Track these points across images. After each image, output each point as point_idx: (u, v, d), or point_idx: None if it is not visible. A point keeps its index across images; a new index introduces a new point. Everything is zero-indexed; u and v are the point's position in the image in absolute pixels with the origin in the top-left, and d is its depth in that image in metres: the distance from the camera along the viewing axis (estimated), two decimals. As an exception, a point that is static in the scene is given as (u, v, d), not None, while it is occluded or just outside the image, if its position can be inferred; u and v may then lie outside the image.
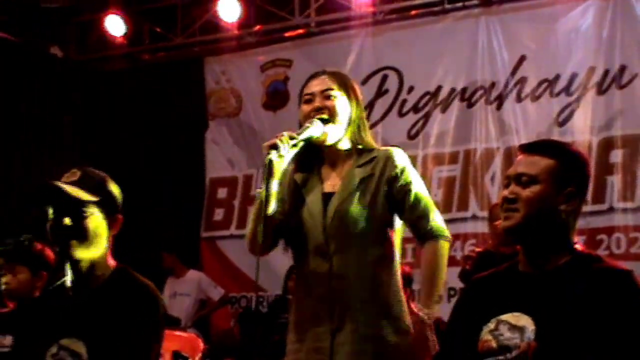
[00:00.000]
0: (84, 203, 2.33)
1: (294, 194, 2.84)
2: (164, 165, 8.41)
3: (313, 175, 2.85)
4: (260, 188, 2.67)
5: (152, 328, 2.33)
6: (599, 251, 6.28)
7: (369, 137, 2.85)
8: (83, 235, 2.33)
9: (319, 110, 2.75)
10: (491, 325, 2.10)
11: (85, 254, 2.35)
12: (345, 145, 2.82)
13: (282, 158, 2.64)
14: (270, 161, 2.61)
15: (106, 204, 2.39)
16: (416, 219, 2.75)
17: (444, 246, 2.74)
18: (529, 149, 2.21)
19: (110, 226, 2.40)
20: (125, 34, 8.38)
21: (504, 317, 2.08)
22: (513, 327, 2.05)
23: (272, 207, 2.68)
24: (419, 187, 2.78)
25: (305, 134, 2.71)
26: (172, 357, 3.09)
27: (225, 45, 8.33)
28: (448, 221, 7.24)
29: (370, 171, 2.76)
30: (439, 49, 7.25)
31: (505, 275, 2.23)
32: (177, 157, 8.43)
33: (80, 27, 8.77)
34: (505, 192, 2.17)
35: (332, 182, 2.82)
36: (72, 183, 2.36)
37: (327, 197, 2.78)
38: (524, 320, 2.04)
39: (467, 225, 6.84)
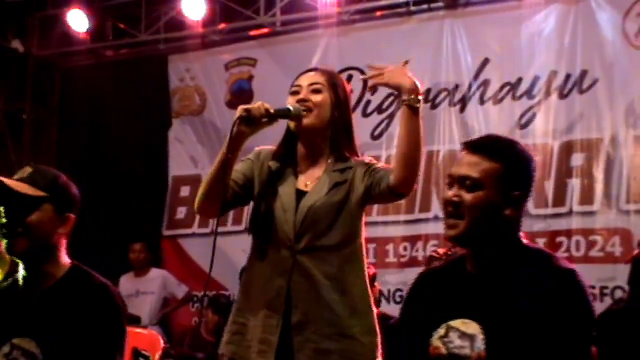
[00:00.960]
0: (30, 199, 2.28)
1: (267, 180, 2.84)
2: (126, 163, 8.34)
3: (289, 168, 2.84)
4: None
5: (113, 333, 2.29)
6: (558, 253, 6.37)
7: (351, 143, 2.84)
8: (28, 232, 2.29)
9: (303, 101, 2.78)
10: (441, 331, 2.06)
11: (31, 251, 2.31)
12: (324, 144, 2.82)
13: (252, 126, 2.67)
14: (240, 122, 2.64)
15: (56, 201, 2.34)
16: (377, 179, 2.72)
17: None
18: (474, 148, 2.13)
19: (60, 224, 2.36)
20: (89, 29, 8.31)
21: (453, 323, 2.05)
22: (463, 335, 2.02)
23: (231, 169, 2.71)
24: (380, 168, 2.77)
25: (280, 111, 2.74)
26: (132, 355, 3.07)
27: (189, 43, 8.29)
28: (410, 222, 7.34)
29: (345, 177, 2.76)
30: (403, 50, 7.24)
31: (453, 273, 2.19)
32: (139, 155, 8.36)
33: (43, 21, 8.67)
34: (450, 194, 2.11)
35: (306, 180, 2.81)
36: (21, 179, 2.32)
37: (300, 194, 2.78)
38: (473, 328, 2.01)
39: (428, 226, 6.88)
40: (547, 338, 1.91)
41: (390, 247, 7.02)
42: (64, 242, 2.39)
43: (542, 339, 1.91)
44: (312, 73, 2.87)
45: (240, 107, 2.68)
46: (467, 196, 2.07)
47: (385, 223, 6.94)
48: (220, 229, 7.74)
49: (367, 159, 2.85)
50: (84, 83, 8.68)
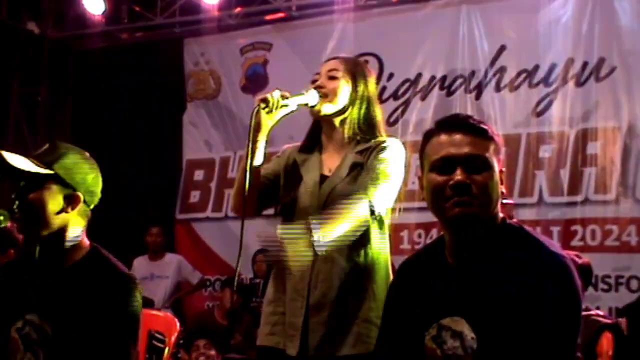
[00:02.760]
0: (33, 176, 2.22)
1: (293, 171, 2.85)
2: (140, 147, 8.35)
3: (314, 157, 2.86)
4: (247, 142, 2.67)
5: (128, 322, 2.25)
6: (573, 242, 6.36)
7: (374, 127, 2.80)
8: (29, 210, 2.23)
9: (319, 88, 2.77)
10: (432, 331, 1.99)
11: (31, 228, 2.27)
12: (346, 129, 2.82)
13: (271, 114, 2.67)
14: (257, 111, 2.64)
15: (61, 180, 2.26)
16: (357, 187, 2.69)
17: (360, 202, 2.61)
18: (462, 127, 2.00)
19: (67, 203, 2.27)
20: (104, 12, 8.30)
21: (444, 322, 1.97)
22: (454, 334, 1.95)
23: (258, 160, 2.69)
24: (381, 169, 2.70)
25: (297, 98, 2.73)
26: (147, 337, 3.07)
27: (205, 26, 8.25)
28: (424, 209, 7.33)
29: (362, 160, 2.75)
30: (419, 36, 7.25)
31: (433, 265, 2.08)
32: (153, 139, 8.37)
33: (58, 3, 8.67)
34: (459, 177, 1.93)
35: (330, 165, 2.82)
36: (34, 156, 2.26)
37: (324, 179, 2.79)
38: (462, 326, 1.94)
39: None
40: (536, 329, 1.85)
41: (404, 233, 7.00)
42: (77, 223, 2.32)
43: (531, 330, 1.84)
44: (332, 61, 2.87)
45: (257, 98, 2.68)
46: (479, 177, 1.94)
47: (399, 209, 6.88)
48: (234, 214, 7.77)
49: (385, 140, 2.82)
50: (99, 66, 8.68)
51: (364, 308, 2.68)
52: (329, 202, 2.71)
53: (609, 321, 3.73)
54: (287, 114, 2.75)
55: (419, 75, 7.26)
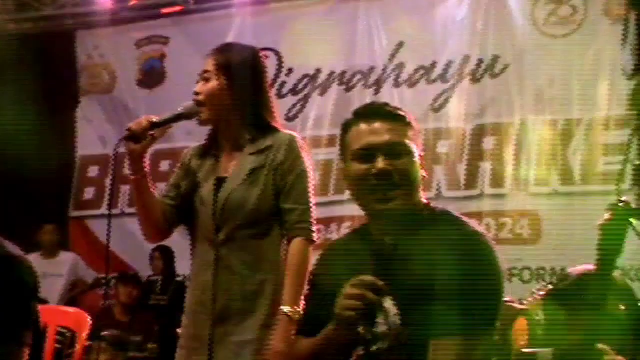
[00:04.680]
0: None
1: (190, 179, 2.80)
2: (31, 142, 8.05)
3: (210, 161, 2.80)
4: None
5: (19, 308, 2.16)
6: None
7: (266, 120, 2.76)
8: None
9: (196, 94, 2.73)
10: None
11: None
12: (235, 129, 2.76)
13: (141, 143, 2.64)
14: (123, 140, 2.65)
15: None
16: (287, 209, 2.70)
17: (308, 248, 2.68)
18: (380, 115, 2.05)
19: None
20: (-11, 1, 7.97)
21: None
22: (380, 311, 1.95)
23: (146, 190, 2.71)
24: (300, 177, 2.72)
25: (169, 117, 2.71)
26: (56, 333, 2.97)
27: (98, 19, 8.03)
28: (324, 204, 7.35)
29: (263, 162, 2.70)
30: (319, 32, 7.25)
31: (359, 246, 2.11)
32: (45, 134, 8.09)
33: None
34: (381, 165, 1.98)
35: (227, 166, 2.77)
36: None
37: (220, 182, 2.73)
38: (386, 302, 1.95)
39: (344, 208, 6.89)
40: (458, 306, 1.88)
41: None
42: None
43: (453, 307, 1.88)
44: (207, 59, 2.78)
45: (125, 129, 2.68)
46: (400, 163, 1.99)
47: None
48: (130, 211, 7.58)
49: (288, 135, 2.79)
50: (-16, 57, 8.32)
51: (265, 315, 2.66)
52: (225, 209, 2.67)
53: (522, 307, 3.85)
54: (162, 133, 2.70)
55: (318, 70, 7.27)
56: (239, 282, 2.67)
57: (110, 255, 7.54)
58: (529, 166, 6.51)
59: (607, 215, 1.33)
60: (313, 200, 2.74)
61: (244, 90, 2.73)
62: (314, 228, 2.71)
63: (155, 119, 2.68)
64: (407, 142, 2.02)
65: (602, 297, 1.32)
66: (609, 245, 1.32)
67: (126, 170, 7.94)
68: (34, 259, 7.22)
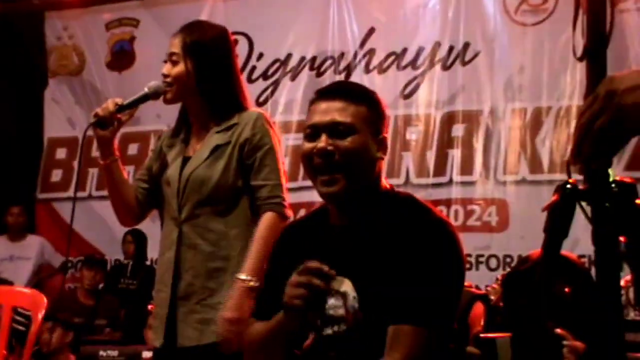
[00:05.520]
0: None
1: (160, 161, 2.79)
2: (-2, 123, 7.98)
3: (179, 141, 2.80)
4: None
5: None
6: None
7: (234, 99, 2.74)
8: None
9: (164, 76, 2.72)
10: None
11: None
12: (202, 109, 2.74)
13: (109, 127, 2.66)
14: (91, 126, 2.67)
15: None
16: (256, 186, 2.69)
17: (277, 222, 2.66)
18: (335, 93, 2.02)
19: None
20: (-44, -20, 7.84)
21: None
22: (337, 294, 1.93)
23: (118, 173, 2.73)
24: (268, 153, 2.71)
25: (136, 99, 2.72)
26: (10, 313, 2.94)
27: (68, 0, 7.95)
28: (295, 189, 7.35)
29: (228, 138, 2.69)
30: (290, 17, 7.23)
31: (317, 227, 2.09)
32: (12, 115, 8.02)
33: None
34: (322, 145, 1.94)
35: (195, 146, 2.76)
36: None
37: (185, 161, 2.72)
38: (345, 285, 1.93)
39: (313, 193, 6.86)
40: (417, 291, 1.87)
41: None
42: None
43: (412, 292, 1.86)
44: (173, 39, 2.75)
45: (92, 114, 2.70)
46: (343, 143, 1.95)
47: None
48: (98, 194, 7.48)
49: (255, 112, 2.77)
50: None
51: (227, 292, 2.64)
52: (187, 187, 2.66)
53: (479, 292, 3.86)
54: (131, 114, 2.72)
55: (289, 55, 7.24)
56: (201, 260, 2.65)
57: (78, 239, 7.54)
58: (498, 154, 6.54)
59: (553, 197, 1.32)
60: (284, 176, 2.73)
61: (212, 72, 2.71)
62: (286, 203, 2.70)
63: (120, 101, 2.67)
64: (352, 121, 1.97)
65: (547, 280, 1.31)
66: (555, 227, 1.31)
67: (94, 153, 7.92)
68: (1, 242, 7.19)
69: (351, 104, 1.99)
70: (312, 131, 2.00)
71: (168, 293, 2.66)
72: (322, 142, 1.96)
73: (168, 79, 2.71)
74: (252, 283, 2.55)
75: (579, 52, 5.41)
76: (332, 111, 1.98)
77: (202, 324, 2.63)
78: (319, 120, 1.99)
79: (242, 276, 2.58)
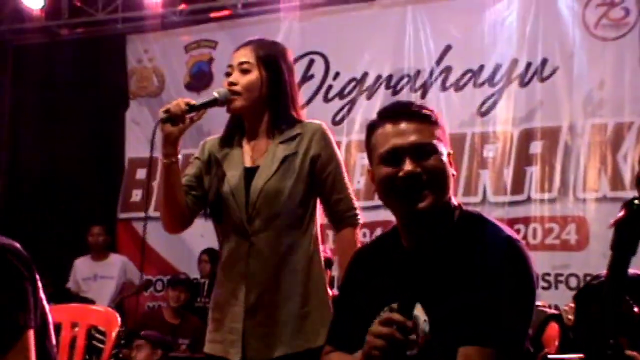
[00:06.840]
0: None
1: (214, 168, 2.78)
2: (81, 144, 8.20)
3: (234, 150, 2.79)
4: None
5: (13, 291, 2.06)
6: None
7: (294, 112, 2.77)
8: None
9: (232, 84, 2.70)
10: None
11: None
12: (265, 119, 2.75)
13: (177, 125, 2.62)
14: (160, 121, 2.61)
15: None
16: (334, 200, 2.72)
17: (357, 233, 2.74)
18: (409, 115, 1.97)
19: None
20: (43, 6, 8.11)
21: (396, 305, 1.91)
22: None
23: (175, 173, 2.68)
24: (339, 167, 2.75)
25: (205, 101, 2.69)
26: (86, 333, 3.00)
27: (148, 23, 8.13)
28: (370, 208, 7.35)
29: (294, 149, 2.70)
30: (366, 35, 7.25)
31: (389, 251, 2.06)
32: (95, 136, 8.23)
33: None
34: (409, 168, 1.91)
35: (253, 156, 2.75)
36: None
37: (248, 172, 2.72)
38: (417, 309, 1.90)
39: (389, 212, 6.85)
40: (489, 314, 1.83)
41: None
42: None
43: (484, 314, 1.83)
44: (242, 50, 2.76)
45: (161, 111, 2.65)
46: (428, 162, 1.92)
47: None
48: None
49: (316, 123, 2.78)
50: (38, 62, 8.48)
51: (297, 305, 2.64)
52: (259, 200, 2.66)
53: (554, 311, 3.78)
54: (199, 117, 2.69)
55: (365, 74, 7.26)
56: (271, 273, 2.65)
57: (157, 258, 7.68)
58: (577, 171, 6.41)
59: (621, 213, 1.28)
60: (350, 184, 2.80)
61: (281, 83, 2.74)
62: (359, 212, 2.77)
63: (191, 102, 2.67)
64: (433, 141, 1.96)
65: (614, 298, 1.27)
66: (622, 244, 1.27)
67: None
68: (85, 261, 7.35)
69: (425, 123, 1.98)
70: (390, 155, 1.96)
71: (242, 307, 2.66)
72: (409, 165, 1.93)
73: (236, 87, 2.70)
74: None
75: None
76: (411, 133, 1.95)
77: (267, 337, 2.63)
78: (401, 143, 1.95)
79: None
